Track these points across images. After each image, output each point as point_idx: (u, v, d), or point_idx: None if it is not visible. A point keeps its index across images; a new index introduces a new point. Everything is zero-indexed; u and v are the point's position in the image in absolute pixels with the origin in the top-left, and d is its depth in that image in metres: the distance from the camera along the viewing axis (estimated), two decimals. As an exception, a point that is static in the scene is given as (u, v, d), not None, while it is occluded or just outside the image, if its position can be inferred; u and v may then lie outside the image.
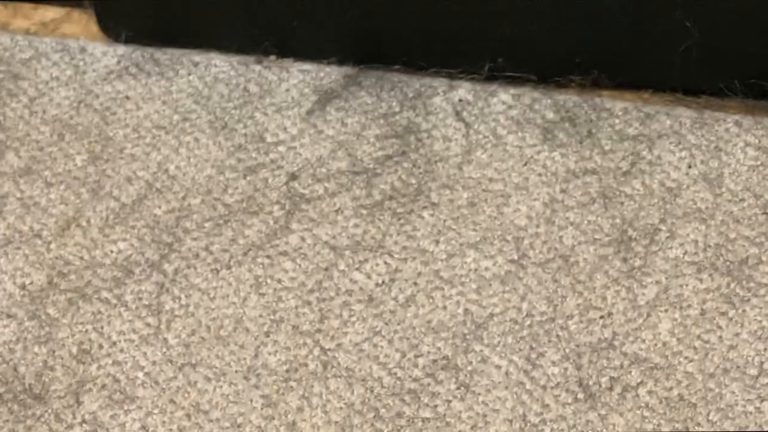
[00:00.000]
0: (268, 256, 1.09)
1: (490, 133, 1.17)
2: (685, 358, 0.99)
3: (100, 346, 1.02)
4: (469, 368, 1.00)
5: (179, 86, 1.23)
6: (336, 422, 0.97)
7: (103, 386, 0.99)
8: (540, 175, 1.13)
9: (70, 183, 1.16)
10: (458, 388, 0.98)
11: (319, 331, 1.04)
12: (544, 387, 0.97)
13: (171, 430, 0.97)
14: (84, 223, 1.12)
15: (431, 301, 1.05)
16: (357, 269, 1.08)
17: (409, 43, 1.23)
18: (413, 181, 1.14)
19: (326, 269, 1.08)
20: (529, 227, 1.10)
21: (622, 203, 1.11)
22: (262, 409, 0.98)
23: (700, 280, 1.03)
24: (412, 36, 1.23)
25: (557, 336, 1.01)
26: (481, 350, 1.01)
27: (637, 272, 1.05)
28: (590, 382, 0.98)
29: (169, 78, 1.24)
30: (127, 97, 1.22)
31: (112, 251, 1.09)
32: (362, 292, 1.06)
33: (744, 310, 1.01)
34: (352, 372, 1.01)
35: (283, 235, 1.11)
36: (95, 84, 1.24)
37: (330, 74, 1.23)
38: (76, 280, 1.07)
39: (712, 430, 0.93)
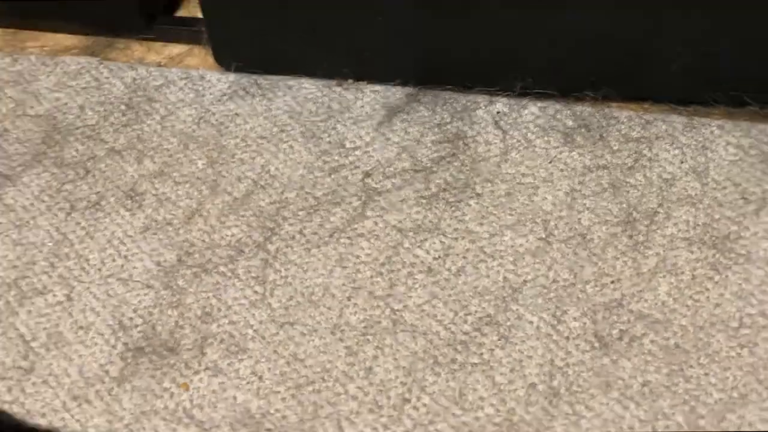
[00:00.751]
0: (348, 237, 1.10)
1: (522, 138, 1.17)
2: (680, 314, 0.99)
3: (219, 309, 1.03)
4: (508, 323, 1.00)
5: (277, 105, 1.24)
6: (404, 367, 0.97)
7: (222, 341, 1.01)
8: (562, 170, 1.13)
9: (194, 182, 1.17)
10: (499, 339, 0.98)
11: (389, 295, 1.04)
12: (567, 338, 0.98)
13: (275, 374, 0.97)
14: (205, 213, 1.13)
15: (477, 270, 1.05)
16: (419, 246, 1.08)
17: (458, 67, 1.23)
18: (462, 176, 1.14)
19: (394, 247, 1.08)
20: (554, 212, 1.10)
21: (627, 191, 1.11)
22: (345, 357, 0.99)
23: (691, 252, 1.03)
24: (460, 62, 1.23)
25: (577, 297, 1.01)
26: (517, 309, 1.01)
27: (640, 246, 1.05)
28: (604, 334, 0.98)
29: (269, 98, 1.25)
30: (237, 114, 1.24)
31: (227, 235, 1.10)
32: (423, 264, 1.07)
33: (727, 275, 1.01)
34: (416, 327, 1.01)
35: (360, 220, 1.11)
36: (212, 104, 1.25)
37: (395, 93, 1.23)
38: (199, 258, 1.08)
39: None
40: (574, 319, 1.01)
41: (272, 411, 0.97)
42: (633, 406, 0.93)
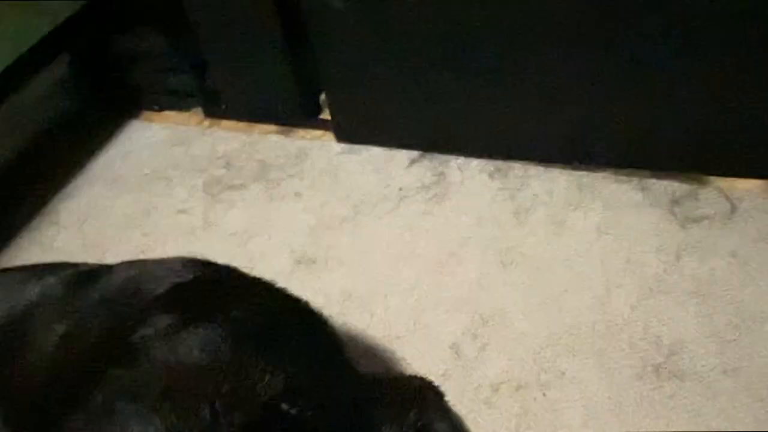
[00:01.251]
0: (395, 213, 1.13)
1: (471, 175, 1.17)
2: (533, 241, 1.02)
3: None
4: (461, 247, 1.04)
5: (362, 158, 1.24)
6: (422, 252, 1.02)
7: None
8: (488, 189, 1.14)
9: (326, 187, 1.20)
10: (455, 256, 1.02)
11: (412, 229, 1.07)
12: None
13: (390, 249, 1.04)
14: (332, 201, 1.17)
15: (452, 220, 1.09)
16: (426, 215, 1.11)
17: (443, 143, 1.21)
18: (443, 190, 1.16)
19: (414, 216, 1.11)
20: (486, 205, 1.11)
21: (514, 197, 1.11)
22: (394, 245, 1.03)
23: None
24: (443, 141, 1.21)
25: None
26: (468, 239, 1.05)
27: (521, 215, 1.07)
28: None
29: (359, 155, 1.25)
30: (345, 161, 1.25)
31: (343, 204, 1.14)
32: (428, 222, 1.10)
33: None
34: (429, 234, 1.05)
35: (399, 206, 1.14)
36: (334, 156, 1.26)
37: (414, 154, 1.23)
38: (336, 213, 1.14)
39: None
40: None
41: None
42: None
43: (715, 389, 0.84)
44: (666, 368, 0.87)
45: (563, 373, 0.88)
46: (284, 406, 0.56)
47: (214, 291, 0.67)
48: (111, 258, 1.10)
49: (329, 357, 0.70)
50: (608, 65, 1.01)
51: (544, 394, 0.87)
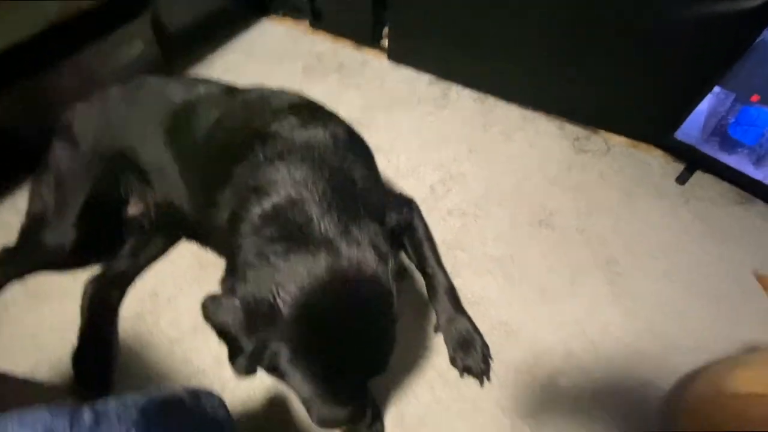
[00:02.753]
0: (416, 111, 1.04)
1: (462, 97, 1.08)
2: (491, 143, 0.97)
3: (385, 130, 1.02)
4: (452, 163, 0.99)
5: (401, 74, 1.13)
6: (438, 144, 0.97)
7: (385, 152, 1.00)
8: (469, 107, 1.06)
9: (373, 88, 1.10)
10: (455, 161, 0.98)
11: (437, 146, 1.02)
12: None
13: (407, 160, 0.97)
14: (374, 102, 1.08)
15: (441, 122, 1.01)
16: (431, 115, 1.03)
17: (450, 75, 1.11)
18: (444, 103, 1.07)
19: (428, 114, 1.03)
20: (465, 115, 1.04)
21: (485, 116, 1.05)
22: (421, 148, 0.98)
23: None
24: (451, 74, 1.11)
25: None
26: (450, 139, 0.99)
27: (487, 116, 1.02)
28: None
29: (400, 71, 1.14)
30: (393, 71, 1.14)
31: (388, 97, 1.07)
32: (432, 117, 1.03)
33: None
34: (439, 133, 0.99)
35: (416, 107, 1.05)
36: (385, 69, 1.15)
37: (431, 78, 1.13)
38: (377, 104, 1.06)
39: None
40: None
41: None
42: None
43: (569, 238, 0.90)
44: (545, 222, 0.92)
45: (489, 213, 0.92)
46: (356, 178, 0.59)
47: (315, 110, 0.68)
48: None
49: (374, 162, 0.73)
50: (558, 53, 0.97)
51: (475, 220, 0.91)
